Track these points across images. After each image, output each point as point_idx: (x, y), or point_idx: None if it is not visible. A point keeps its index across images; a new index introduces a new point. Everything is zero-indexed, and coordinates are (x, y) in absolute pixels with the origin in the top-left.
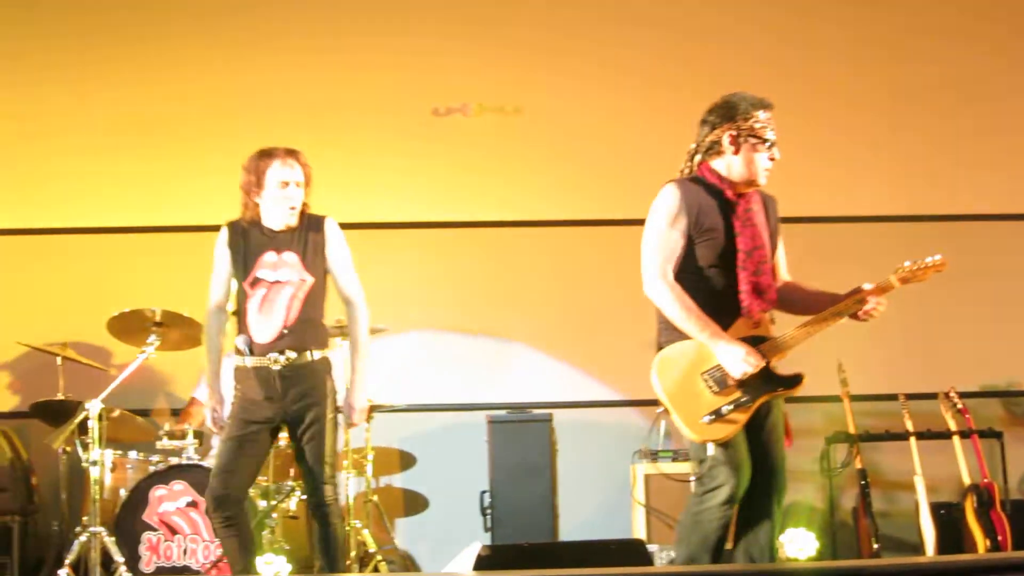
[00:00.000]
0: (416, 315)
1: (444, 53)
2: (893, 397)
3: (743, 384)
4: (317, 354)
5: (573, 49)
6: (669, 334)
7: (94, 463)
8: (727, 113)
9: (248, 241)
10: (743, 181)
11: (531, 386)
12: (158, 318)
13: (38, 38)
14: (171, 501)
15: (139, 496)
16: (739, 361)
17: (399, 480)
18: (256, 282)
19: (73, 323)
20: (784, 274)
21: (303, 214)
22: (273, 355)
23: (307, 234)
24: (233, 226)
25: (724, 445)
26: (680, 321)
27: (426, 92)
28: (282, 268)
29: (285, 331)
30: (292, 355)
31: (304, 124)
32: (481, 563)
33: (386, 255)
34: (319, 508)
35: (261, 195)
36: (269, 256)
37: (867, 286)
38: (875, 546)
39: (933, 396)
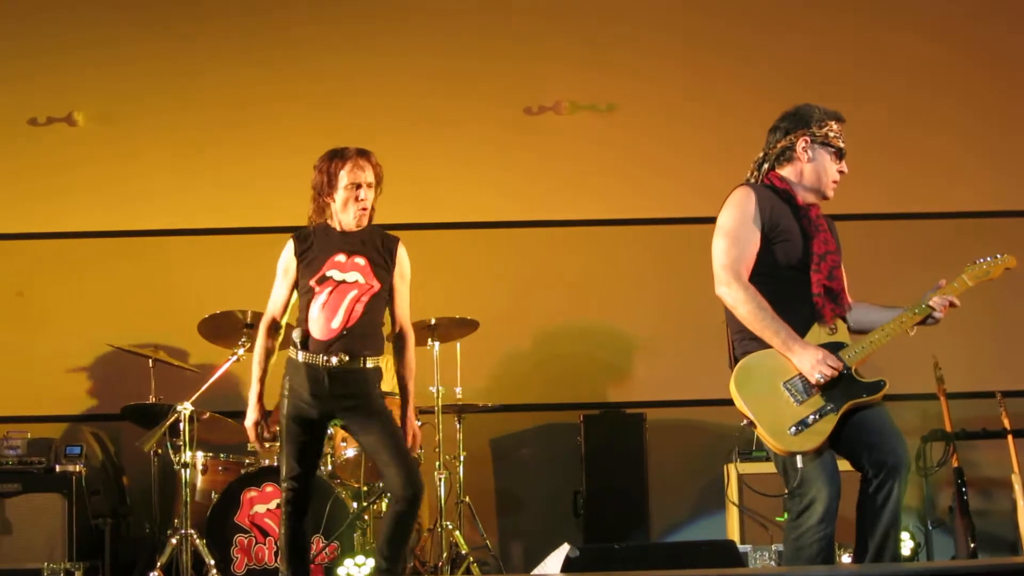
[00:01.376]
0: (510, 313)
1: (535, 51)
2: (990, 395)
3: (826, 391)
4: (370, 363)
5: (666, 45)
6: (744, 345)
7: (185, 465)
8: (802, 120)
9: (318, 242)
10: (812, 190)
11: (625, 385)
12: (249, 320)
13: (129, 40)
14: (263, 503)
15: (230, 498)
16: (816, 364)
17: (492, 480)
18: (324, 280)
19: (162, 325)
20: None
21: (375, 225)
22: (325, 356)
23: (379, 245)
24: (299, 236)
25: (814, 456)
26: (754, 324)
27: (518, 91)
28: (351, 270)
29: (344, 332)
30: (345, 358)
31: (396, 123)
32: (570, 565)
33: (480, 253)
34: (416, 496)
35: (333, 196)
36: (339, 257)
37: (942, 283)
38: (972, 545)
39: None
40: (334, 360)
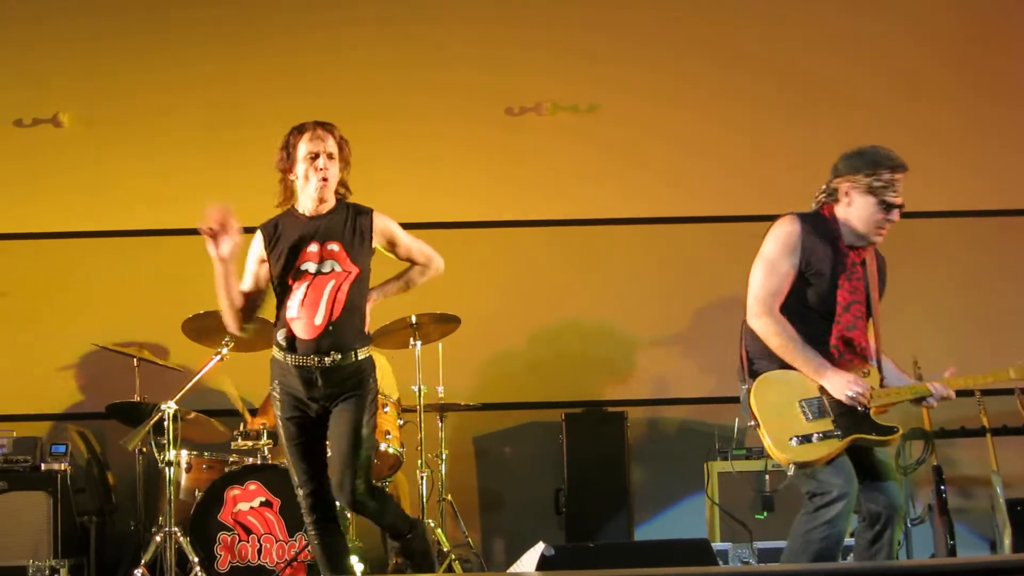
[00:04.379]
0: (492, 312)
1: (517, 52)
2: (969, 393)
3: (838, 419)
4: (362, 354)
5: (647, 47)
6: (759, 364)
7: (169, 463)
8: (853, 164)
9: (288, 234)
10: (855, 235)
11: (607, 383)
12: None
13: (113, 39)
14: (246, 501)
15: (214, 496)
16: (848, 384)
17: (474, 479)
18: (300, 275)
19: (148, 324)
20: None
21: (345, 202)
22: (317, 356)
23: (352, 222)
24: (266, 228)
25: (830, 461)
26: (786, 354)
27: (500, 91)
28: (327, 260)
29: (330, 327)
30: (337, 356)
31: (377, 122)
32: (545, 563)
33: (461, 253)
34: (352, 502)
35: (294, 170)
36: (312, 247)
37: (948, 373)
38: (951, 543)
39: (1010, 392)
40: (327, 360)
